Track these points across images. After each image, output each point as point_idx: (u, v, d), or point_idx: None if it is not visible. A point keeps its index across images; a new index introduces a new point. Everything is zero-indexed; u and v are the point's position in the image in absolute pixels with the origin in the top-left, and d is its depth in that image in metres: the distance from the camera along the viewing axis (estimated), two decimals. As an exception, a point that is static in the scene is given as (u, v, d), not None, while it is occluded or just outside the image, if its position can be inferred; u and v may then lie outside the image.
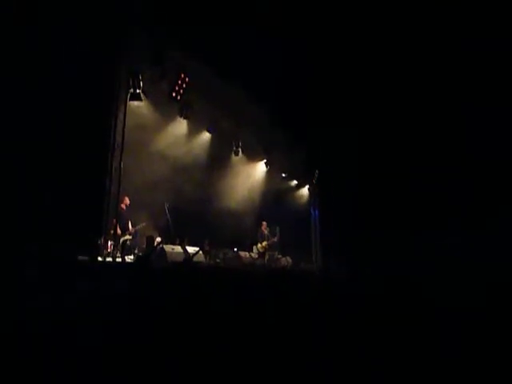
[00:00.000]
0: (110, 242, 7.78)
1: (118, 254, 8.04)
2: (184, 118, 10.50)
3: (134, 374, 1.68)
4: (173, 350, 2.03)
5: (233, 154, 12.45)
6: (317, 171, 15.12)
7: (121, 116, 7.61)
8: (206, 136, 11.50)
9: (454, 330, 2.51)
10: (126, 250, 8.63)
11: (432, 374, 1.78)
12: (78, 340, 2.03)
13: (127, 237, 8.85)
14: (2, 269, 3.60)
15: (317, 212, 15.23)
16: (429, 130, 10.80)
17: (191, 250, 8.81)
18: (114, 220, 7.81)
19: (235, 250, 11.12)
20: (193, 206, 10.30)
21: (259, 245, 11.69)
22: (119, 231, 8.29)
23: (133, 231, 9.02)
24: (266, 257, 11.55)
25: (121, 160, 7.48)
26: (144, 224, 9.21)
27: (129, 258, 8.42)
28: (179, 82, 9.14)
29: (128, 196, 8.96)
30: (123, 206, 8.75)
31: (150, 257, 7.59)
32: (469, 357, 2.03)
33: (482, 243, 8.61)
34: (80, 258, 5.84)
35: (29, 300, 2.76)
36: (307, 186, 15.70)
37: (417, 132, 11.04)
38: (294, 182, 15.57)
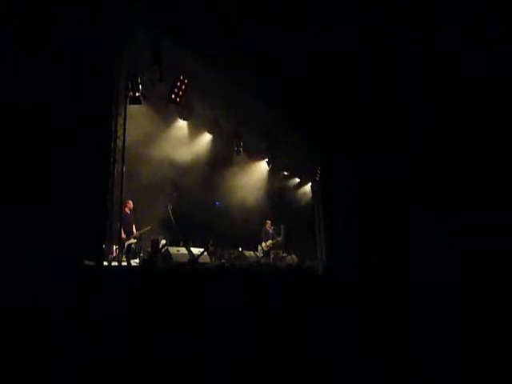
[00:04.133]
0: (114, 247, 7.78)
1: (124, 258, 8.04)
2: (184, 120, 10.51)
3: (138, 375, 1.68)
4: (179, 350, 2.03)
5: (234, 154, 12.43)
6: (319, 168, 15.09)
7: (120, 120, 7.60)
8: (206, 137, 11.50)
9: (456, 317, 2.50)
10: (131, 253, 8.64)
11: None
12: (88, 346, 2.04)
13: (132, 241, 8.85)
14: (11, 279, 3.61)
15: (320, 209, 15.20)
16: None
17: (196, 251, 8.82)
18: (118, 224, 7.81)
19: (240, 249, 11.11)
20: (196, 208, 10.31)
21: (264, 244, 11.67)
22: (123, 235, 8.29)
23: (137, 235, 9.02)
24: (271, 255, 11.53)
25: (123, 164, 7.48)
26: (148, 227, 9.20)
27: (134, 262, 8.43)
28: (178, 83, 9.10)
29: (131, 200, 8.96)
30: (127, 209, 8.76)
31: (156, 259, 7.60)
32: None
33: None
34: (86, 263, 5.85)
35: (37, 309, 2.76)
36: (309, 184, 15.67)
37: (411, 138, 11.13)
38: (297, 180, 15.55)
